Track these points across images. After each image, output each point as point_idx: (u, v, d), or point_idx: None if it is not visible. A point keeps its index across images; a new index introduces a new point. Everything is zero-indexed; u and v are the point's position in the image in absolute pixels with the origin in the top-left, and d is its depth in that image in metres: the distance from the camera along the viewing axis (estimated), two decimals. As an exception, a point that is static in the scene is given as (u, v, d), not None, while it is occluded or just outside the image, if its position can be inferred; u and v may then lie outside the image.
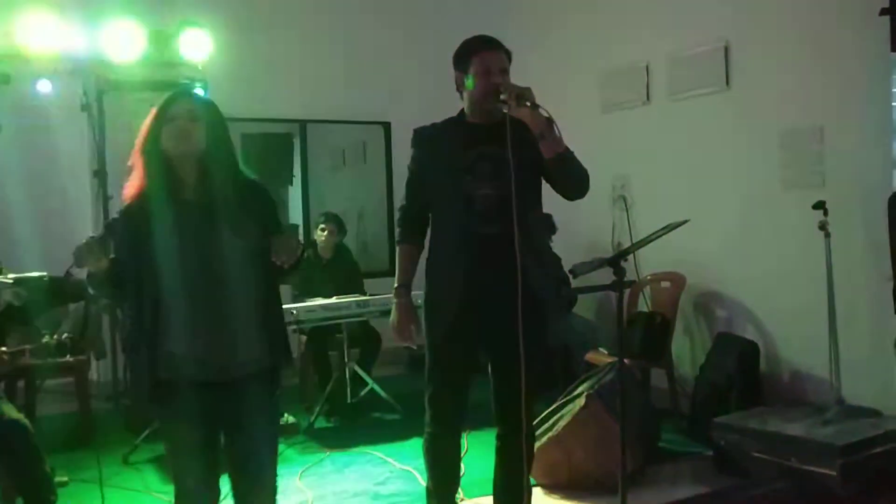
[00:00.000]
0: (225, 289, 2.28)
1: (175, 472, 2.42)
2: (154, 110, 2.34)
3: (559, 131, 2.63)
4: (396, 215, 2.99)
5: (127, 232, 2.29)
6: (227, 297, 2.29)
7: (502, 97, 2.60)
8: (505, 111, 2.61)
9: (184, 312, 2.26)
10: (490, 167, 2.67)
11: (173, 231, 2.25)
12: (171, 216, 2.26)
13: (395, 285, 2.89)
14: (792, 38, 4.49)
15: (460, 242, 2.73)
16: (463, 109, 2.84)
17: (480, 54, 2.74)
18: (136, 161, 2.32)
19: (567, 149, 2.66)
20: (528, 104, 2.56)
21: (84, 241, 2.19)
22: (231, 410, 2.34)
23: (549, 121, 2.60)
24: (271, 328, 2.39)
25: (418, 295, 2.88)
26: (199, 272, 2.26)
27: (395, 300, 2.88)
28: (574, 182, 2.74)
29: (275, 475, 2.46)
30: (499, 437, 2.88)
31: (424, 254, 2.92)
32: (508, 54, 2.80)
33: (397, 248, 2.93)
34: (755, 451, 3.71)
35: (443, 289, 2.79)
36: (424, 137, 2.87)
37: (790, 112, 4.52)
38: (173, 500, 2.44)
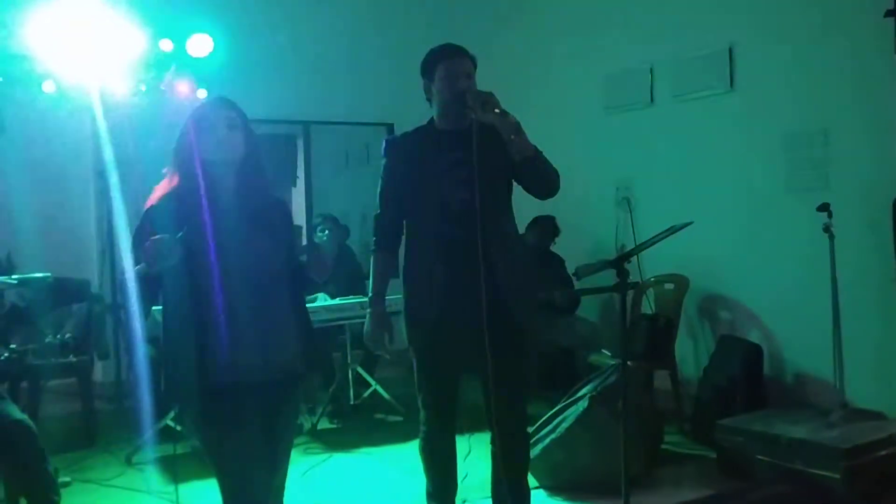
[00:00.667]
0: (264, 294, 2.31)
1: (231, 486, 2.30)
2: (189, 116, 2.35)
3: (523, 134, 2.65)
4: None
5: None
6: (266, 301, 2.31)
7: (468, 102, 2.65)
8: (473, 116, 2.65)
9: (227, 316, 2.26)
10: (464, 173, 2.70)
11: (213, 236, 2.26)
12: (211, 221, 2.27)
13: (370, 294, 2.93)
14: (796, 40, 4.48)
15: (437, 249, 2.77)
16: (433, 118, 2.88)
17: (445, 61, 2.79)
18: (172, 167, 2.33)
19: (536, 150, 2.70)
20: (497, 111, 2.60)
21: (161, 238, 2.13)
22: (263, 414, 2.34)
23: (517, 124, 2.64)
24: (305, 335, 2.42)
25: (394, 301, 2.92)
26: (239, 277, 2.27)
27: (368, 309, 2.92)
28: (543, 183, 2.79)
29: (285, 478, 2.48)
30: (492, 442, 2.88)
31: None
32: (473, 60, 2.84)
33: (372, 257, 2.96)
34: (759, 454, 3.70)
35: (421, 296, 2.83)
36: (396, 146, 2.92)
37: (795, 114, 4.51)
38: None
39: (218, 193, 2.32)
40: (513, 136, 2.64)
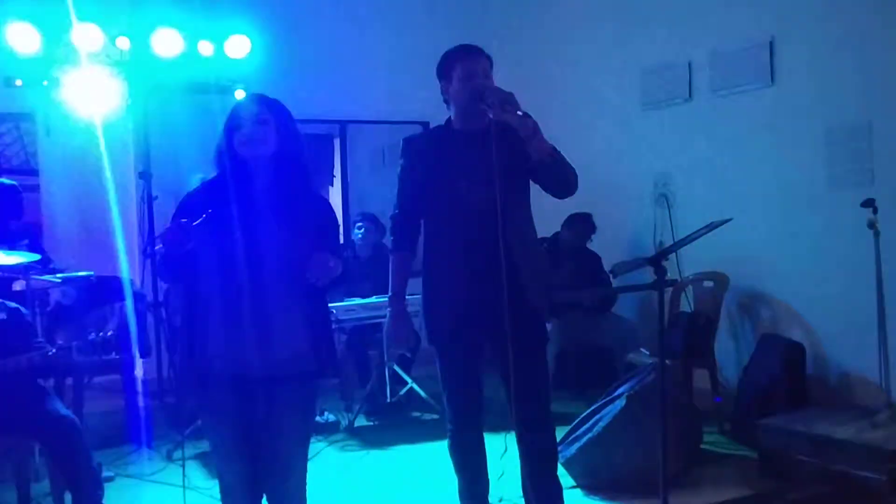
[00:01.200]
0: (277, 289, 2.35)
1: (218, 469, 2.47)
2: (228, 114, 2.43)
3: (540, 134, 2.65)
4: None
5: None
6: (277, 297, 2.35)
7: (487, 100, 2.65)
8: (490, 115, 2.66)
9: (234, 307, 2.32)
10: (481, 173, 2.71)
11: (239, 228, 2.32)
12: (239, 214, 2.33)
13: (389, 294, 2.96)
14: (838, 32, 4.39)
15: (455, 248, 2.79)
16: (450, 118, 2.89)
17: (462, 61, 2.80)
18: (214, 163, 2.42)
19: (554, 150, 2.69)
20: (520, 113, 2.61)
21: (176, 224, 2.23)
22: (266, 409, 2.38)
23: (535, 125, 2.64)
24: (317, 335, 2.42)
25: (413, 300, 2.95)
26: (255, 270, 2.33)
27: (388, 309, 2.95)
28: (560, 183, 2.78)
29: (304, 477, 2.49)
30: (518, 440, 2.89)
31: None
32: (490, 60, 2.85)
33: (391, 257, 2.99)
34: (801, 455, 3.64)
35: (441, 295, 2.85)
36: (415, 147, 2.94)
37: (837, 108, 4.42)
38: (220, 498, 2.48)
39: (249, 189, 2.37)
40: (530, 137, 2.64)
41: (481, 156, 2.69)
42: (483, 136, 2.67)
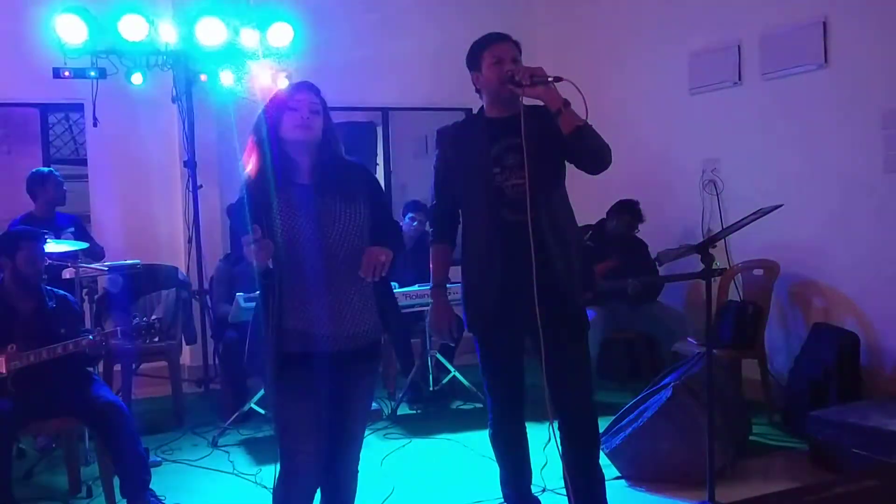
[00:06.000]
0: (342, 266, 2.37)
1: (286, 449, 2.43)
2: (273, 97, 2.46)
3: (586, 106, 2.60)
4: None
5: (254, 209, 2.33)
6: (344, 273, 2.37)
7: (516, 79, 2.63)
8: (521, 98, 2.64)
9: (304, 288, 2.35)
10: (517, 158, 2.70)
11: (294, 212, 2.36)
12: (289, 198, 2.37)
13: (431, 285, 2.97)
14: (895, 10, 4.23)
15: (493, 235, 2.77)
16: (482, 107, 2.88)
17: (490, 48, 2.80)
18: (252, 144, 2.42)
19: (585, 122, 2.65)
20: (550, 78, 2.60)
21: (257, 239, 2.22)
22: (338, 384, 2.43)
23: (565, 100, 2.62)
24: (383, 304, 2.49)
25: (455, 288, 2.96)
26: (318, 251, 2.35)
27: (431, 300, 2.96)
28: (594, 155, 2.73)
29: (360, 449, 2.55)
30: (559, 427, 2.85)
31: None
32: (518, 46, 2.84)
33: (431, 248, 2.99)
34: (854, 448, 3.54)
35: (480, 282, 2.83)
36: (448, 137, 2.93)
37: (894, 90, 4.26)
38: (277, 478, 2.44)
39: (294, 172, 2.41)
40: (561, 108, 2.62)
41: (515, 141, 2.68)
42: (516, 122, 2.66)
